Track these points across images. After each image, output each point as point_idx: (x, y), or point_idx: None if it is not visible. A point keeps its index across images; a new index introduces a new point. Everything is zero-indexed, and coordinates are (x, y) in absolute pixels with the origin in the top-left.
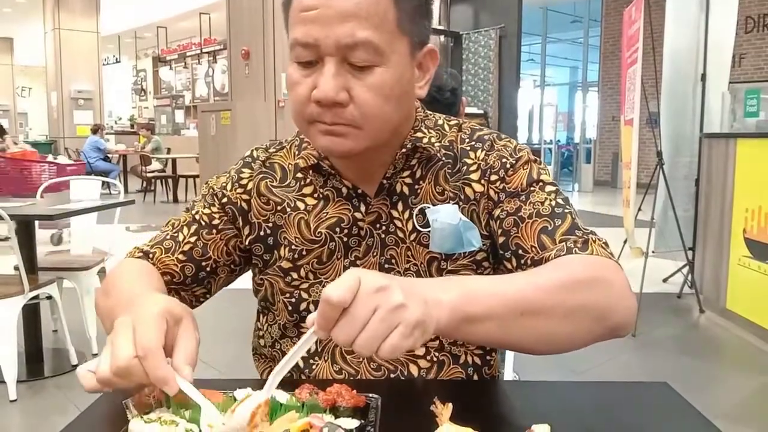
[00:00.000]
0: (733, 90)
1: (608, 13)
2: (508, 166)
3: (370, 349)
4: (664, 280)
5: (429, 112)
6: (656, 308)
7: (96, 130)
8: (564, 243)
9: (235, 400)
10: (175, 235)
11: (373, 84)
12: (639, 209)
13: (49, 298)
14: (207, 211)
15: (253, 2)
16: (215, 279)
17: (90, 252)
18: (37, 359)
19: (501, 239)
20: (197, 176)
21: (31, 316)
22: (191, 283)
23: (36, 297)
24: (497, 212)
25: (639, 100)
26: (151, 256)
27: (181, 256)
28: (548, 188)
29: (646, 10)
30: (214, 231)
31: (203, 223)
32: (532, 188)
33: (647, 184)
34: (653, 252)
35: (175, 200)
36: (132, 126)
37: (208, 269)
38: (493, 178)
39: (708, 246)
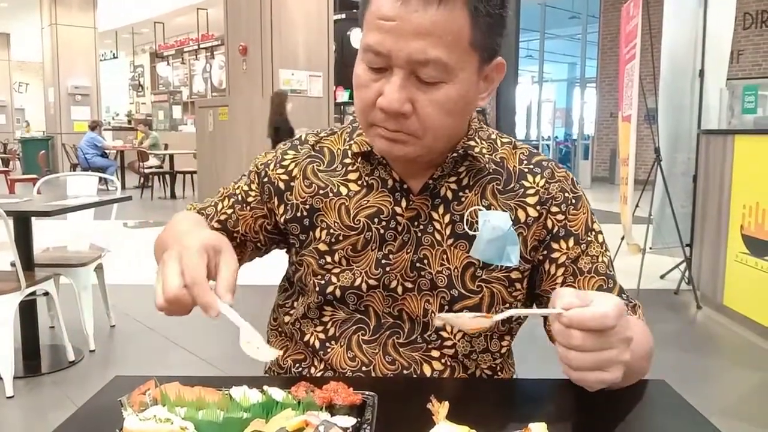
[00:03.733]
0: (731, 86)
1: (606, 9)
2: (570, 201)
3: (579, 367)
4: (662, 277)
5: (484, 124)
6: (653, 305)
7: (94, 126)
8: None
9: (231, 397)
10: (217, 203)
11: (438, 100)
12: (637, 205)
13: (46, 294)
14: (246, 187)
15: None
16: (244, 251)
17: (87, 248)
18: (34, 356)
19: (558, 282)
20: (195, 172)
21: (27, 312)
22: None
23: (33, 293)
24: (559, 255)
25: (637, 97)
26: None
27: (216, 224)
28: (599, 238)
29: (644, 6)
30: (247, 208)
31: (240, 198)
32: (589, 236)
33: (645, 180)
34: (651, 248)
35: (173, 196)
36: (129, 122)
37: (237, 240)
38: (554, 209)
39: (705, 242)
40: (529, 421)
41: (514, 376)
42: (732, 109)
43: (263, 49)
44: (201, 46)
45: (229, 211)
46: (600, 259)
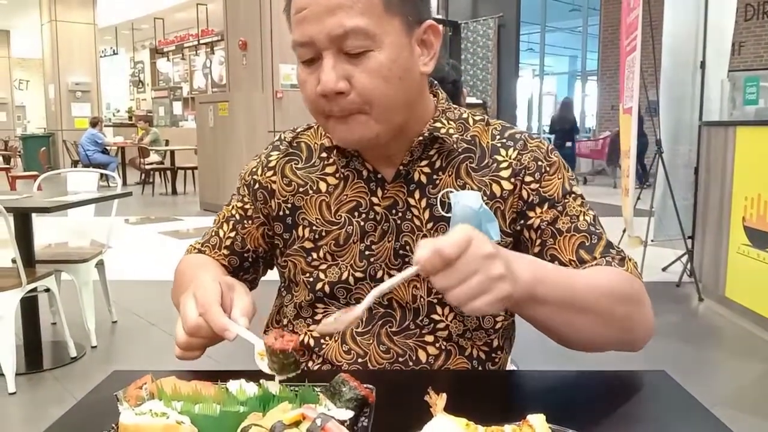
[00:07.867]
0: (732, 78)
1: (607, 1)
2: (543, 169)
3: (460, 304)
4: (664, 269)
5: (453, 105)
6: (655, 297)
7: (95, 123)
8: (604, 258)
9: (227, 391)
10: (218, 231)
11: (370, 68)
12: (638, 198)
13: (47, 290)
14: (240, 204)
15: None
16: (257, 269)
17: (88, 244)
18: (35, 352)
19: (536, 249)
20: (195, 168)
21: (29, 308)
22: (239, 271)
23: (34, 290)
24: (534, 220)
25: (638, 89)
26: (204, 253)
27: (225, 251)
28: (579, 200)
29: None
30: (248, 222)
31: (238, 217)
32: (566, 199)
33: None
34: (652, 241)
35: (174, 192)
36: (130, 118)
37: (250, 259)
38: (528, 179)
39: (707, 234)
40: (528, 412)
41: (511, 366)
42: (733, 101)
43: (263, 44)
44: (201, 41)
45: (233, 234)
46: (581, 218)
